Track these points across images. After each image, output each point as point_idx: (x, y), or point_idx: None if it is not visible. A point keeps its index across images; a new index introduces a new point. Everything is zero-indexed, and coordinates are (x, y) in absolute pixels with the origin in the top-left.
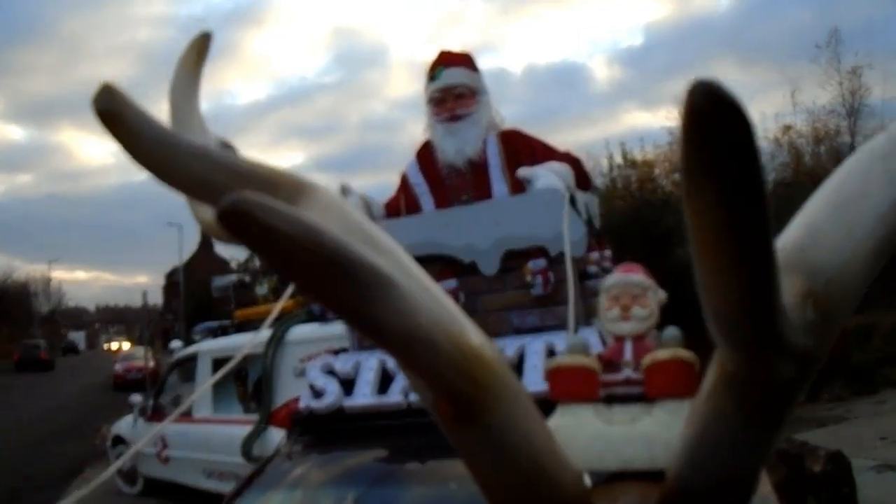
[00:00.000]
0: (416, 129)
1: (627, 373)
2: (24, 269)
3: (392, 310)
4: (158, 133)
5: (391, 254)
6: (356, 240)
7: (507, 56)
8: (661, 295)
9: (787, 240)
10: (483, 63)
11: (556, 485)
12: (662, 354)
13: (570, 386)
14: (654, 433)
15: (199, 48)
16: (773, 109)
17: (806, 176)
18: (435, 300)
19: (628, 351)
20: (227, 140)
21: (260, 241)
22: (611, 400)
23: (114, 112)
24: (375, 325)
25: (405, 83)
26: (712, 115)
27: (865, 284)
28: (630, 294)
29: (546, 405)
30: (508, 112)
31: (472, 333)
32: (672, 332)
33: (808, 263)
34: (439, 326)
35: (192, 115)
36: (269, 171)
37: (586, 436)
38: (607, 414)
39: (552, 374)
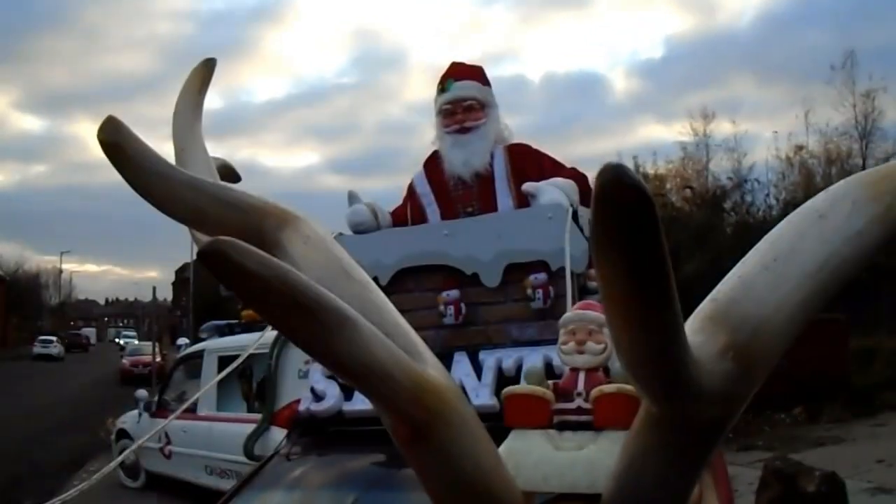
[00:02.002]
0: (431, 135)
1: (579, 402)
2: (36, 259)
3: (351, 346)
4: (157, 165)
5: (362, 286)
6: (332, 271)
7: (526, 63)
8: None
9: (720, 290)
10: (502, 70)
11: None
12: (609, 388)
13: (522, 412)
14: (598, 460)
15: (203, 75)
16: (786, 129)
17: None
18: (398, 333)
19: (581, 382)
20: (228, 163)
21: (234, 281)
22: (563, 426)
23: (117, 144)
24: (336, 360)
25: (422, 88)
26: (616, 194)
27: (791, 337)
28: (586, 329)
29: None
30: (525, 119)
31: (430, 365)
32: (620, 368)
33: (734, 316)
34: (394, 359)
35: (194, 143)
36: (257, 202)
37: (534, 459)
38: (557, 440)
39: (507, 401)
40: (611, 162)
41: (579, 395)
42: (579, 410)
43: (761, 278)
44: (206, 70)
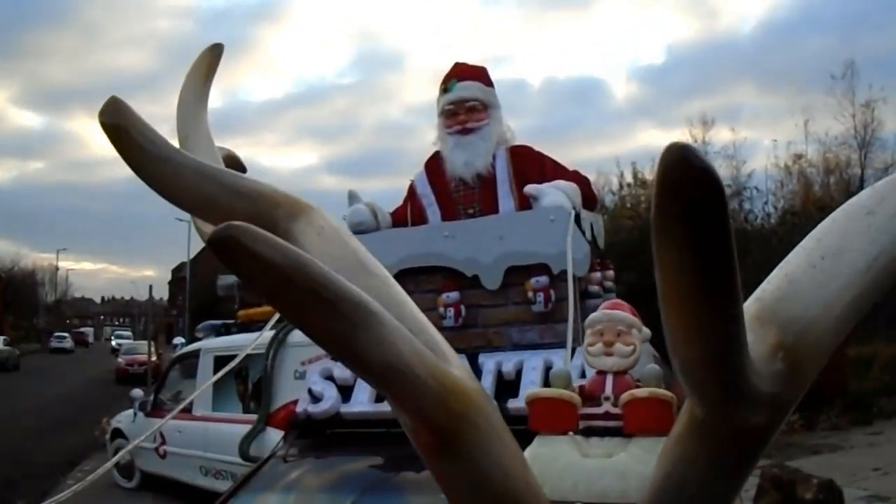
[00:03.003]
0: (430, 136)
1: (607, 407)
2: (32, 257)
3: (373, 342)
4: (162, 149)
5: (381, 280)
6: (348, 264)
7: (526, 67)
8: (646, 333)
9: (765, 289)
10: (502, 73)
11: None
12: (641, 392)
13: (548, 417)
14: (629, 467)
15: (209, 61)
16: (785, 137)
17: (814, 205)
18: (420, 330)
19: (609, 385)
20: (234, 153)
21: (247, 268)
22: (590, 432)
23: (120, 126)
24: (356, 356)
25: (422, 89)
26: (683, 177)
27: (839, 337)
28: (614, 330)
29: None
30: (524, 123)
31: (454, 364)
32: (652, 369)
33: (782, 315)
34: (419, 358)
35: (199, 129)
36: (269, 190)
37: (562, 467)
38: (584, 446)
39: (531, 405)
40: (677, 142)
41: (607, 399)
42: (607, 415)
43: (809, 277)
44: (212, 56)
